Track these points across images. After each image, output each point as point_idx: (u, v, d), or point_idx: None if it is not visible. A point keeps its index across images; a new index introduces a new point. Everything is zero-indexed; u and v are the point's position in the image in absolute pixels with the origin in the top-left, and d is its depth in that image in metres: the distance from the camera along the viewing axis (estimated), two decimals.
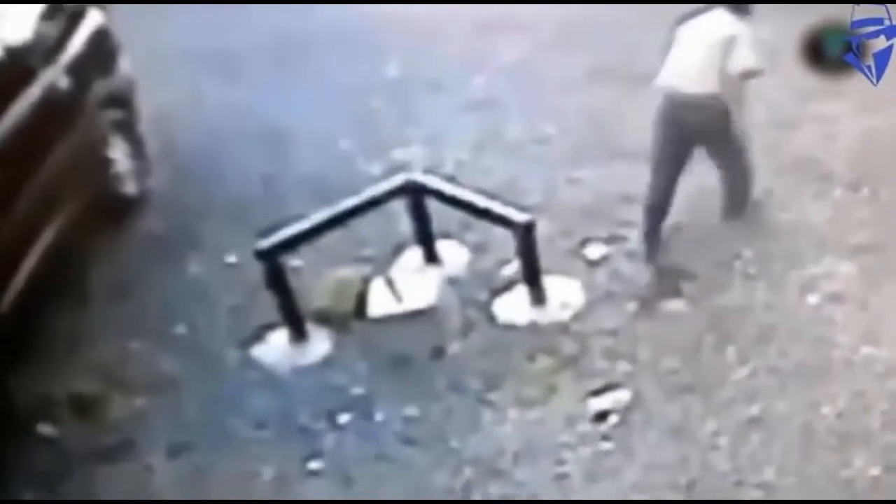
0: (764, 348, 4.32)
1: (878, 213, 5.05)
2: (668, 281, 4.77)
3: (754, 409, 4.03)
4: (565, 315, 4.63)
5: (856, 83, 5.48)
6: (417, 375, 4.43)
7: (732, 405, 4.07)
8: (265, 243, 4.63)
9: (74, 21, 5.59)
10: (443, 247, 5.11)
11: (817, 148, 5.61)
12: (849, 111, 5.83)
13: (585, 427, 4.06)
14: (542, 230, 4.82)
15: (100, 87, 5.54)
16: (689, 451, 3.89)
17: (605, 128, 6.00)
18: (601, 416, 4.10)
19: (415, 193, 4.93)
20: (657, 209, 4.92)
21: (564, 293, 4.74)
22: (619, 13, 7.17)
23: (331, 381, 4.46)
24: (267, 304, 4.72)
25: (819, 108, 5.88)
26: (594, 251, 5.03)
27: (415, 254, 5.09)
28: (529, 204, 5.15)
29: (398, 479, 3.97)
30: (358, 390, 4.38)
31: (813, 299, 4.57)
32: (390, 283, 4.80)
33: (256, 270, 4.71)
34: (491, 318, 4.70)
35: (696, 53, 4.71)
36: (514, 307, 4.72)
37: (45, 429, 4.36)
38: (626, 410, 4.11)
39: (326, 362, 4.57)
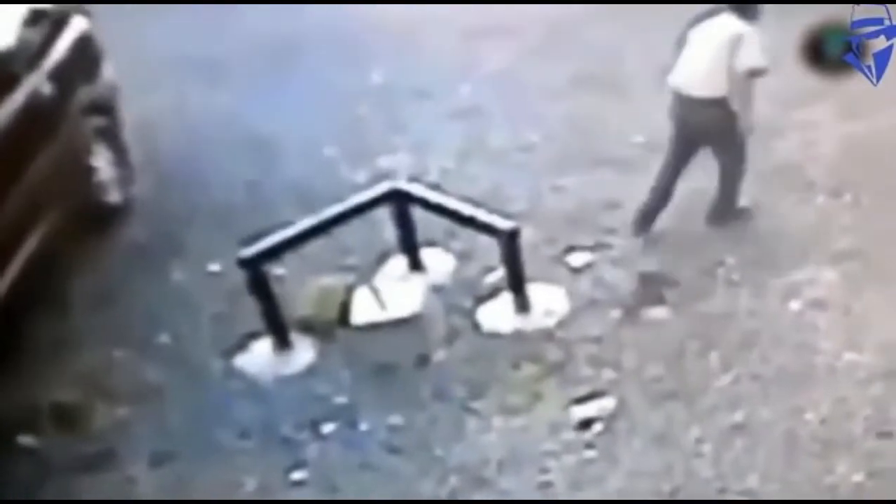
0: (747, 355, 4.34)
1: (860, 219, 5.08)
2: (652, 288, 4.78)
3: (738, 416, 4.04)
4: (550, 322, 4.63)
5: (838, 89, 5.55)
6: (402, 384, 4.43)
7: (716, 412, 4.08)
8: (248, 251, 4.61)
9: (58, 27, 5.56)
10: (427, 254, 5.10)
11: (799, 155, 5.64)
12: (830, 117, 5.88)
13: (570, 435, 4.06)
14: (527, 238, 4.82)
15: (83, 94, 5.52)
16: (673, 459, 3.90)
17: (589, 135, 6.01)
18: (585, 423, 4.11)
19: (399, 201, 4.93)
20: (659, 193, 5.06)
21: (549, 301, 4.75)
22: (604, 14, 7.19)
23: (315, 390, 4.44)
24: (251, 313, 4.71)
25: (801, 115, 5.91)
26: (578, 258, 5.04)
27: (399, 262, 5.08)
28: (514, 211, 5.16)
29: (383, 488, 3.96)
30: (342, 399, 4.37)
31: (795, 306, 4.59)
32: (375, 291, 4.79)
33: (240, 278, 4.70)
34: (475, 326, 4.70)
35: (704, 55, 4.82)
36: (498, 315, 4.72)
37: (25, 439, 4.33)
38: (610, 418, 4.11)
39: (310, 371, 4.56)
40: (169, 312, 4.99)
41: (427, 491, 3.92)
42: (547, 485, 3.88)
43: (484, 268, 5.00)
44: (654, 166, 5.15)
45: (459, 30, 7.42)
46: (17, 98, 4.88)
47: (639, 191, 5.20)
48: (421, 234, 5.05)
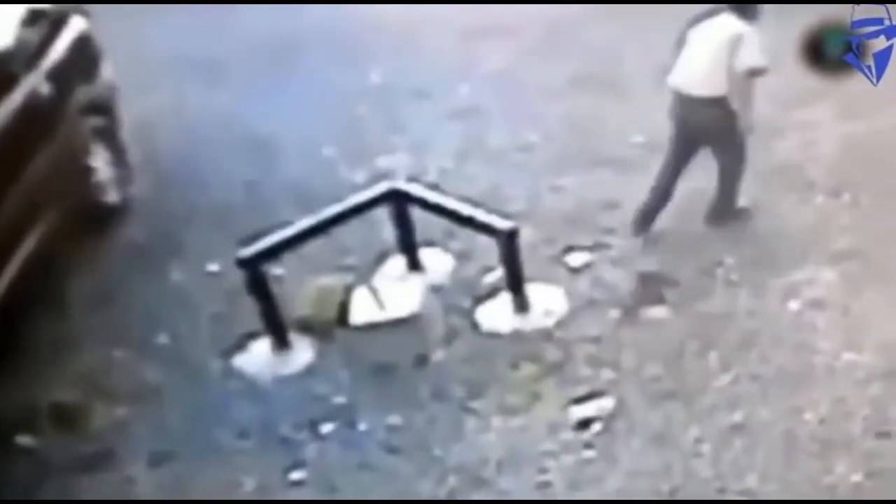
0: (746, 355, 4.33)
1: (859, 219, 5.08)
2: (651, 288, 4.78)
3: (737, 416, 4.04)
4: (549, 322, 4.63)
5: (837, 89, 5.55)
6: (401, 384, 4.42)
7: (715, 412, 4.08)
8: (247, 251, 4.61)
9: (56, 27, 5.56)
10: (426, 254, 5.10)
11: (799, 154, 5.64)
12: (830, 117, 5.87)
13: (568, 435, 4.06)
14: (526, 238, 4.82)
15: (82, 94, 5.51)
16: (671, 459, 3.90)
17: (588, 135, 6.01)
18: (584, 423, 4.10)
19: (398, 201, 4.93)
20: (659, 193, 5.08)
21: (548, 300, 4.74)
22: (603, 14, 7.19)
23: (313, 390, 4.44)
24: (249, 313, 4.70)
25: (801, 115, 5.91)
26: (577, 258, 5.04)
27: (398, 262, 5.08)
28: (512, 211, 5.15)
29: (382, 488, 3.95)
30: (341, 399, 4.37)
31: (794, 306, 4.59)
32: (373, 291, 4.78)
33: (239, 278, 4.69)
34: (474, 326, 4.70)
35: (704, 55, 4.83)
36: (497, 315, 4.72)
37: (24, 439, 4.33)
38: (609, 418, 4.11)
39: (309, 371, 4.56)
40: (168, 312, 4.99)
41: (426, 491, 3.92)
42: (546, 485, 3.88)
43: (483, 268, 5.00)
44: (653, 166, 5.15)
45: (458, 30, 7.42)
46: (16, 98, 4.87)
47: (638, 191, 5.20)
48: (420, 234, 5.04)
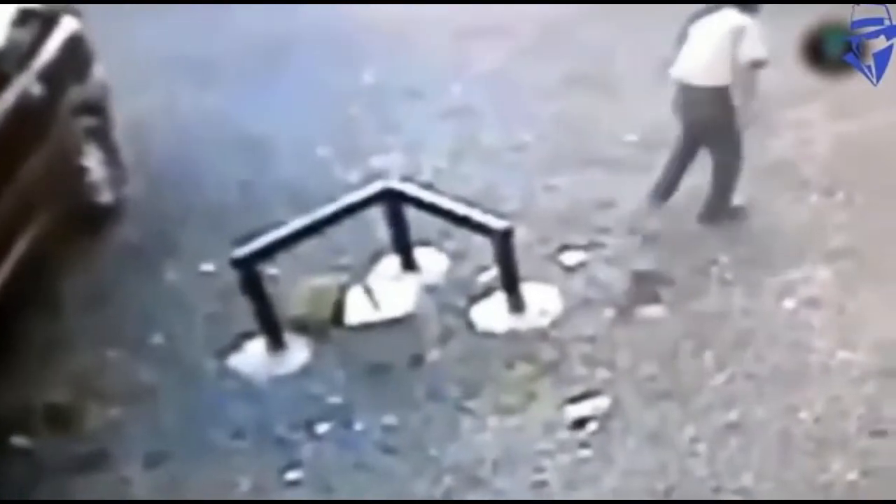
0: (741, 354, 4.34)
1: (854, 217, 5.09)
2: (646, 287, 4.78)
3: (732, 415, 4.04)
4: (544, 322, 4.63)
5: (832, 88, 5.55)
6: (396, 384, 4.42)
7: (710, 411, 4.08)
8: (242, 251, 4.60)
9: (48, 27, 5.53)
10: (421, 254, 5.10)
11: (794, 153, 5.65)
12: (824, 116, 5.89)
13: (564, 434, 4.06)
14: (520, 237, 4.82)
15: (74, 94, 5.49)
16: (667, 458, 3.90)
17: (582, 135, 6.01)
18: (580, 423, 4.10)
19: (392, 201, 4.92)
20: (664, 186, 5.14)
21: (543, 300, 4.74)
22: (597, 14, 7.19)
23: (309, 390, 4.43)
24: (244, 313, 4.69)
25: (795, 114, 5.92)
26: (572, 258, 5.04)
27: (392, 261, 5.07)
28: (507, 211, 5.15)
29: (378, 488, 3.95)
30: (336, 399, 4.36)
31: (790, 304, 4.59)
32: (368, 291, 4.78)
33: (233, 278, 4.68)
34: (469, 326, 4.69)
35: (707, 46, 4.86)
36: (492, 314, 4.71)
37: (18, 440, 4.31)
38: (604, 417, 4.11)
39: (304, 371, 4.55)
40: (162, 312, 4.97)
41: (422, 491, 3.91)
42: (541, 484, 3.88)
43: (477, 267, 4.99)
44: (647, 165, 5.17)
45: (452, 29, 7.41)
46: (7, 99, 4.84)
47: (631, 190, 5.21)
48: (414, 234, 5.04)
